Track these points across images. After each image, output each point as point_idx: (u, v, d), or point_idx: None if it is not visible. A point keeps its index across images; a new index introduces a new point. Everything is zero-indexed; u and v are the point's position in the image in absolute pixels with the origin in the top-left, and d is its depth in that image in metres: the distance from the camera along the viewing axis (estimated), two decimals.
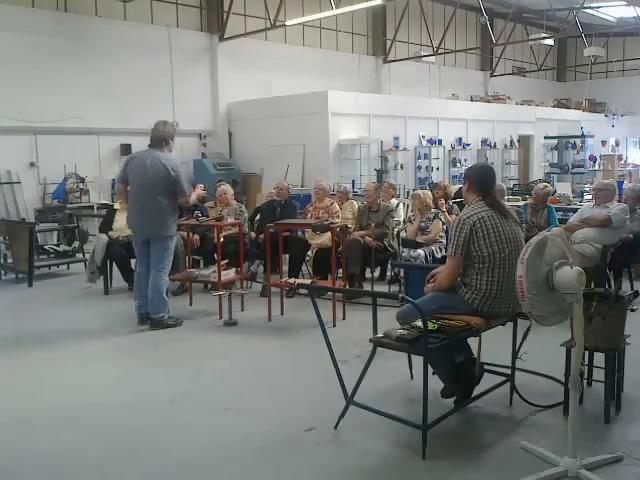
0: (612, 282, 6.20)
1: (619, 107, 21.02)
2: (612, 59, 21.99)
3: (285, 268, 7.00)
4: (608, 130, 20.03)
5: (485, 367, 3.95)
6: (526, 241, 3.28)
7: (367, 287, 7.10)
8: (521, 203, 8.50)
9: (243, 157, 14.18)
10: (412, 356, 4.10)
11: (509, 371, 3.94)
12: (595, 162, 17.79)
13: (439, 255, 6.69)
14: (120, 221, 7.23)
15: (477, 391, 3.84)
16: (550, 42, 19.53)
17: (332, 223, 6.25)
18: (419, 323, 3.31)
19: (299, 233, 7.68)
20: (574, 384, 3.11)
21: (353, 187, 11.22)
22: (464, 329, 3.52)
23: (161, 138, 5.78)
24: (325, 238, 7.10)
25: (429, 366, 3.37)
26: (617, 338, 3.69)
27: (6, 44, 10.78)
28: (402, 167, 14.36)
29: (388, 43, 17.90)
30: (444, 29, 17.31)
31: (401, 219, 8.37)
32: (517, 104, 18.82)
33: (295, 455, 3.39)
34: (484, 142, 16.39)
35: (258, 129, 13.66)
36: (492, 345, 3.85)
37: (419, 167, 14.94)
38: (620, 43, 22.65)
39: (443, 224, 6.97)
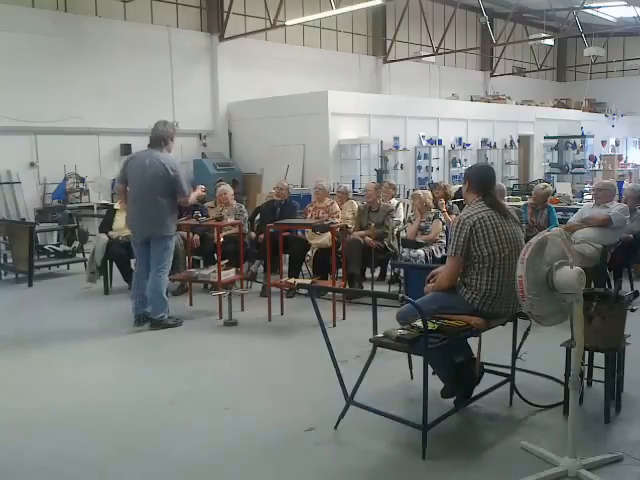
0: (612, 282, 6.20)
1: (619, 107, 21.02)
2: (612, 59, 22.00)
3: (285, 268, 7.00)
4: (608, 130, 20.04)
5: (485, 367, 3.95)
6: (526, 241, 3.28)
7: (367, 287, 7.10)
8: (521, 203, 8.49)
9: (243, 157, 14.18)
10: (412, 356, 4.10)
11: (509, 371, 3.94)
12: (595, 162, 17.79)
13: (439, 255, 6.69)
14: (120, 221, 7.22)
15: (477, 391, 3.84)
16: (550, 42, 19.54)
17: (332, 223, 6.25)
18: (419, 323, 3.31)
19: (299, 233, 7.68)
20: (574, 384, 3.11)
21: (353, 187, 11.22)
22: (464, 329, 3.52)
23: (160, 138, 5.78)
24: (325, 238, 7.10)
25: (429, 366, 3.37)
26: (617, 338, 3.69)
27: (6, 44, 10.78)
28: (402, 167, 14.36)
29: (388, 43, 17.90)
30: (444, 29, 17.31)
31: (401, 219, 8.37)
32: (517, 104, 18.82)
33: (295, 455, 3.39)
34: (484, 142, 16.39)
35: (258, 129, 13.66)
36: (492, 345, 3.85)
37: (419, 167, 14.94)
38: (620, 43, 22.65)
39: (443, 224, 6.97)
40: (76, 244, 9.12)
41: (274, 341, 5.50)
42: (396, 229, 7.63)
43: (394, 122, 14.17)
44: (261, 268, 7.48)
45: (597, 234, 6.22)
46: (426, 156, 15.00)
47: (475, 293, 3.63)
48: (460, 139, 15.72)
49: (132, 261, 6.71)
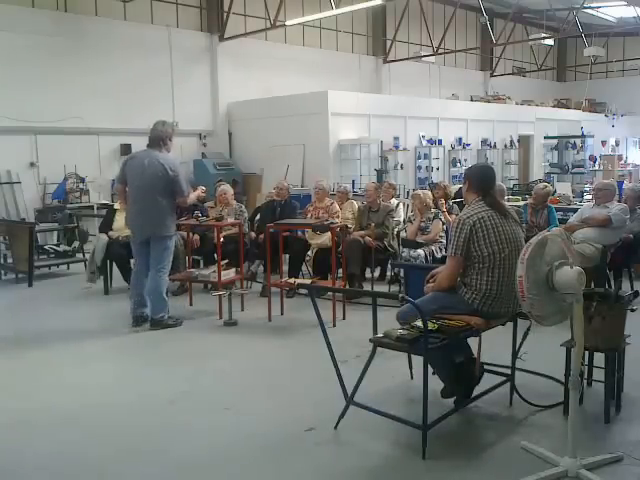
0: (612, 282, 6.20)
1: (619, 107, 21.02)
2: (612, 59, 22.00)
3: (285, 268, 7.00)
4: (608, 130, 20.03)
5: (485, 367, 3.95)
6: (526, 241, 3.28)
7: (367, 287, 7.10)
8: (521, 203, 8.49)
9: (243, 157, 14.18)
10: (412, 356, 4.10)
11: (509, 371, 3.94)
12: (595, 162, 17.79)
13: (439, 255, 6.68)
14: (120, 221, 7.22)
15: (477, 391, 3.84)
16: (550, 42, 19.53)
17: (332, 223, 6.25)
18: (419, 323, 3.31)
19: (299, 233, 7.68)
20: (574, 384, 3.11)
21: (353, 187, 11.22)
22: (464, 329, 3.52)
23: (159, 138, 5.78)
24: (325, 238, 7.10)
25: (429, 366, 3.37)
26: (617, 338, 3.69)
27: (6, 44, 10.78)
28: (402, 167, 14.36)
29: (388, 43, 17.90)
30: (444, 29, 17.30)
31: (401, 219, 8.37)
32: (517, 104, 18.82)
33: (295, 455, 3.39)
34: (484, 142, 16.39)
35: (258, 129, 13.66)
36: (492, 345, 3.85)
37: (419, 167, 14.94)
38: (620, 43, 22.65)
39: (443, 224, 6.97)
40: (76, 244, 9.12)
41: (274, 341, 5.50)
42: (396, 229, 7.63)
43: (394, 122, 14.17)
44: (261, 268, 7.48)
45: (597, 234, 6.22)
46: (426, 156, 15.00)
47: (475, 293, 3.63)
48: (460, 139, 15.72)
49: (132, 261, 6.71)
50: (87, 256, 8.02)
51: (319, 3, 14.49)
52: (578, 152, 18.00)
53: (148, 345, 5.46)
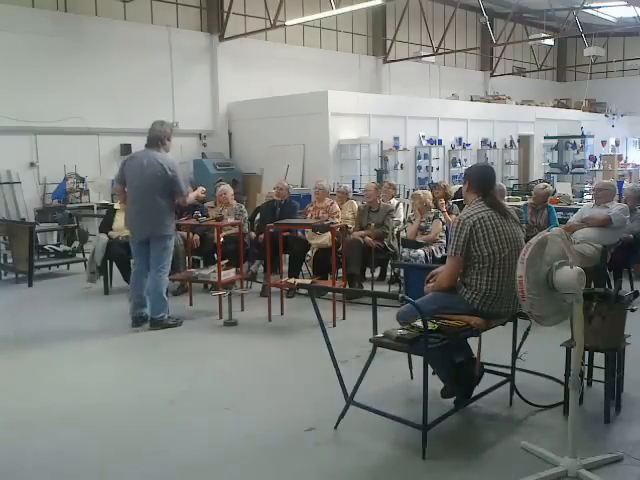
0: (612, 282, 6.20)
1: (619, 107, 21.02)
2: (612, 59, 22.00)
3: (285, 268, 7.00)
4: (608, 130, 20.04)
5: (485, 367, 3.94)
6: (526, 241, 3.28)
7: (367, 287, 7.10)
8: (521, 203, 8.49)
9: (243, 157, 14.18)
10: (412, 356, 4.10)
11: (509, 371, 3.94)
12: (595, 162, 17.79)
13: (439, 255, 6.68)
14: (120, 221, 7.22)
15: (477, 391, 3.84)
16: (550, 42, 19.53)
17: (332, 223, 6.25)
18: (419, 323, 3.31)
19: (299, 233, 7.68)
20: (574, 384, 3.11)
21: (353, 187, 11.22)
22: (464, 329, 3.52)
23: (157, 138, 5.77)
24: (325, 238, 7.09)
25: (429, 366, 3.37)
26: (617, 338, 3.69)
27: (6, 44, 10.78)
28: (402, 167, 14.36)
29: (388, 43, 17.90)
30: (444, 29, 17.30)
31: (401, 219, 8.37)
32: (517, 104, 18.82)
33: (295, 455, 3.39)
34: (484, 142, 16.39)
35: (258, 129, 13.66)
36: (492, 345, 3.85)
37: (419, 167, 14.94)
38: (620, 43, 22.65)
39: (443, 224, 6.97)
40: (76, 244, 9.12)
41: (274, 341, 5.50)
42: (396, 229, 7.64)
43: (394, 122, 14.17)
44: (261, 268, 7.48)
45: (597, 234, 6.22)
46: (426, 156, 15.00)
47: (475, 293, 3.63)
48: (460, 139, 15.72)
49: (132, 261, 6.71)
50: (87, 256, 8.02)
51: (319, 3, 14.49)
52: (578, 152, 18.00)
53: (148, 345, 5.46)
